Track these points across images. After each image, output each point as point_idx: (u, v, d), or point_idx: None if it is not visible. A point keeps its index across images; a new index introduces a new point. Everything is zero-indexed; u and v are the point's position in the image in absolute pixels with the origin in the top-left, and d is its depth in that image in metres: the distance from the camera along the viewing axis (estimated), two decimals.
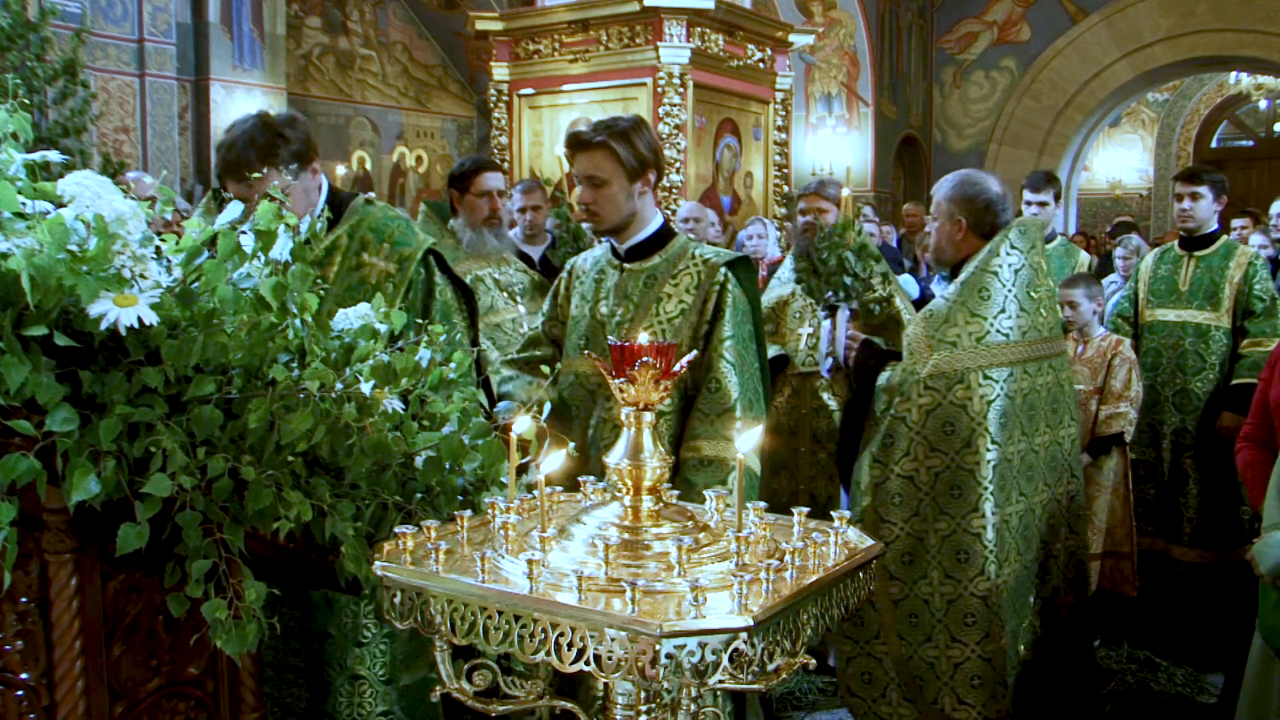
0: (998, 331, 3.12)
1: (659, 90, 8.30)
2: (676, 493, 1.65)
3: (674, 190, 8.25)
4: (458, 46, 13.85)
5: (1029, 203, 5.37)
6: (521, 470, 1.87)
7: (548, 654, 1.36)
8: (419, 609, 1.49)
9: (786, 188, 9.55)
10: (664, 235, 3.01)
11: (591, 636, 1.34)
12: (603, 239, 3.13)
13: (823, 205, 4.44)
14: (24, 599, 1.70)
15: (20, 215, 1.63)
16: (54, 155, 1.83)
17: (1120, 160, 18.32)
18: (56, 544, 1.68)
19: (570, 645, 1.35)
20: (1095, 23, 14.22)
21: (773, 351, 4.34)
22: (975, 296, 3.15)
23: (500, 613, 1.41)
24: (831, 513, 1.64)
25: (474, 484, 1.94)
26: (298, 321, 1.76)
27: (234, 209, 1.84)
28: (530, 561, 1.41)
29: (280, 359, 1.73)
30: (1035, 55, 14.63)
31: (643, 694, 1.54)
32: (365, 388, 1.76)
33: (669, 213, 6.89)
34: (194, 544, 1.61)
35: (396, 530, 1.56)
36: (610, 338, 2.90)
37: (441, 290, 2.99)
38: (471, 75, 14.01)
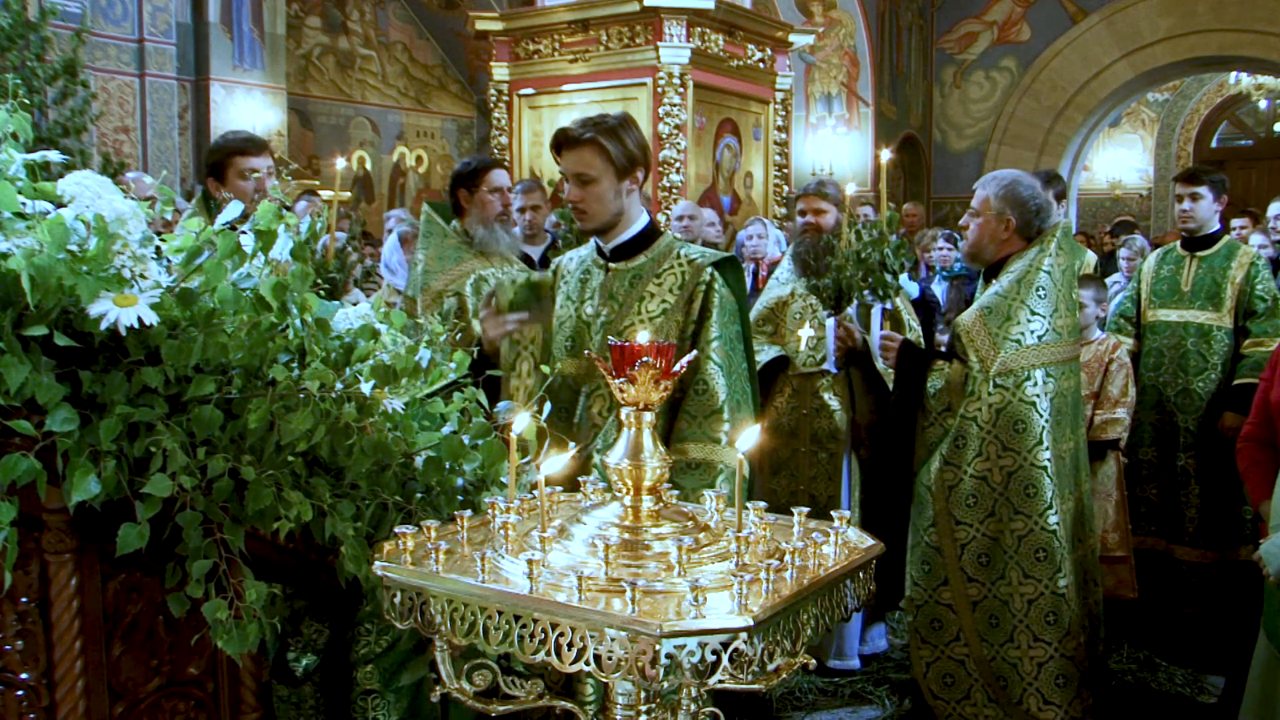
0: (1054, 330, 3.17)
1: (659, 90, 8.30)
2: (676, 493, 1.65)
3: (674, 190, 8.25)
4: (458, 46, 13.86)
5: None
6: (521, 470, 1.87)
7: (548, 654, 1.36)
8: (419, 609, 1.49)
9: (786, 188, 9.54)
10: (650, 234, 2.98)
11: (591, 636, 1.34)
12: (591, 238, 3.12)
13: (821, 206, 4.43)
14: (24, 599, 1.70)
15: (20, 215, 1.63)
16: (54, 155, 1.83)
17: (1120, 160, 18.30)
18: (56, 544, 1.68)
19: (570, 645, 1.35)
20: (1095, 23, 14.21)
21: (772, 352, 4.33)
22: (1035, 295, 3.17)
23: (500, 613, 1.41)
24: (832, 513, 1.64)
25: (474, 484, 1.94)
26: (298, 321, 1.76)
27: (234, 209, 1.84)
28: (530, 561, 1.41)
29: (280, 359, 1.73)
30: (1035, 55, 14.63)
31: (643, 694, 1.54)
32: (365, 388, 1.76)
33: (667, 213, 6.89)
34: (194, 544, 1.61)
35: (396, 530, 1.55)
36: (597, 338, 2.89)
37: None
38: (471, 75, 14.02)
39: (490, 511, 1.62)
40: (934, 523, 3.18)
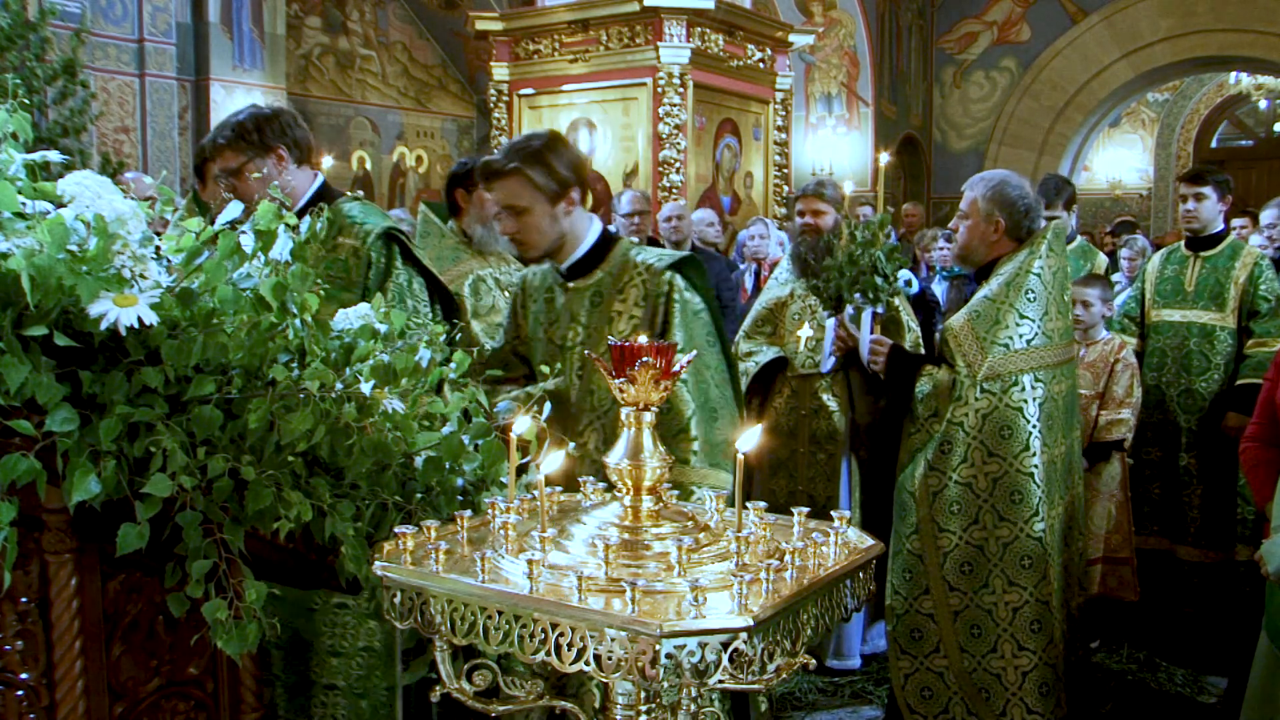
0: (1043, 334, 3.11)
1: (659, 90, 8.31)
2: (676, 493, 1.64)
3: (674, 190, 8.25)
4: (458, 46, 13.85)
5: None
6: (521, 470, 1.87)
7: (548, 654, 1.36)
8: (419, 609, 1.49)
9: (786, 188, 9.55)
10: (602, 247, 2.88)
11: (591, 636, 1.34)
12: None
13: (820, 207, 4.43)
14: (24, 599, 1.70)
15: (20, 215, 1.63)
16: (54, 155, 1.83)
17: (1120, 160, 18.30)
18: (56, 544, 1.68)
19: (570, 645, 1.35)
20: (1095, 23, 14.21)
21: (772, 353, 4.34)
22: (1023, 298, 3.12)
23: (500, 613, 1.41)
24: (831, 513, 1.64)
25: (474, 484, 1.94)
26: (298, 321, 1.76)
27: (233, 208, 1.84)
28: (530, 561, 1.41)
29: (280, 359, 1.73)
30: (1035, 55, 14.63)
31: (643, 694, 1.54)
32: (365, 388, 1.76)
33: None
34: (194, 544, 1.61)
35: (396, 530, 1.55)
36: (576, 362, 2.84)
37: (398, 274, 2.96)
38: (471, 75, 14.01)
39: (490, 511, 1.62)
40: (917, 529, 3.12)
